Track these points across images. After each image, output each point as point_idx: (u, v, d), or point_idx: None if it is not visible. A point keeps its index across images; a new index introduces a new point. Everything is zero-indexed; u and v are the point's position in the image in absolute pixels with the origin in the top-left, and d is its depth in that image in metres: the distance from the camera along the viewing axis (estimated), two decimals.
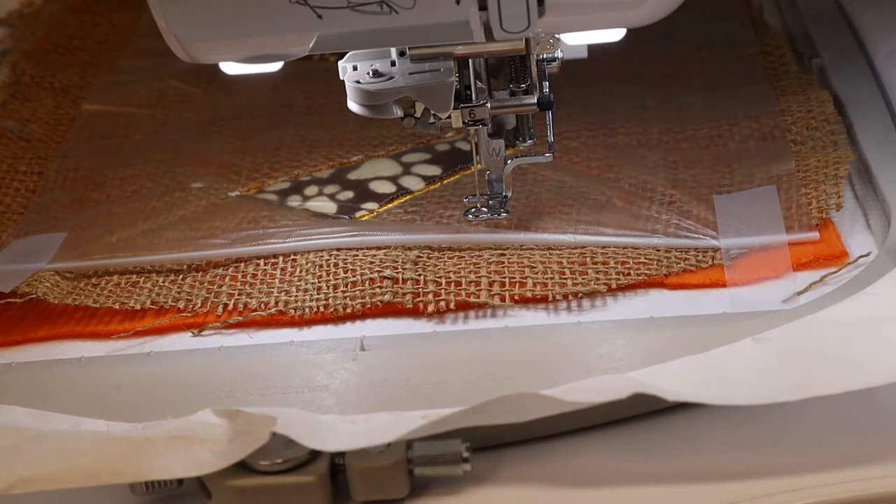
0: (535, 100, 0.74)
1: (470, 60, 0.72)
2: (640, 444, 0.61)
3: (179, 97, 0.99)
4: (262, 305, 0.74)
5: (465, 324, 0.72)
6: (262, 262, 0.77)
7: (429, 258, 0.76)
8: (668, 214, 0.78)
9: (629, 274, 0.73)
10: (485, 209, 0.78)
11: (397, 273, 0.74)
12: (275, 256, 0.78)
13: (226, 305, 0.74)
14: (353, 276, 0.74)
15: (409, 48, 0.71)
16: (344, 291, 0.74)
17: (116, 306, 0.75)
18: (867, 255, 0.72)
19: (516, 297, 0.72)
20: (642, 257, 0.74)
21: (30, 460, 0.58)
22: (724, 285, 0.72)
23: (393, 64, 0.72)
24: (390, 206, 0.82)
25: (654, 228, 0.76)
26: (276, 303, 0.74)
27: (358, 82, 0.72)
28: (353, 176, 0.86)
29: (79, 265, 0.79)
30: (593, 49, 0.77)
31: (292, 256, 0.77)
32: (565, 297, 0.72)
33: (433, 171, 0.86)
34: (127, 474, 0.58)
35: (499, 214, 0.77)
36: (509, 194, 0.78)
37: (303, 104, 0.96)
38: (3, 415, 0.64)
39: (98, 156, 0.92)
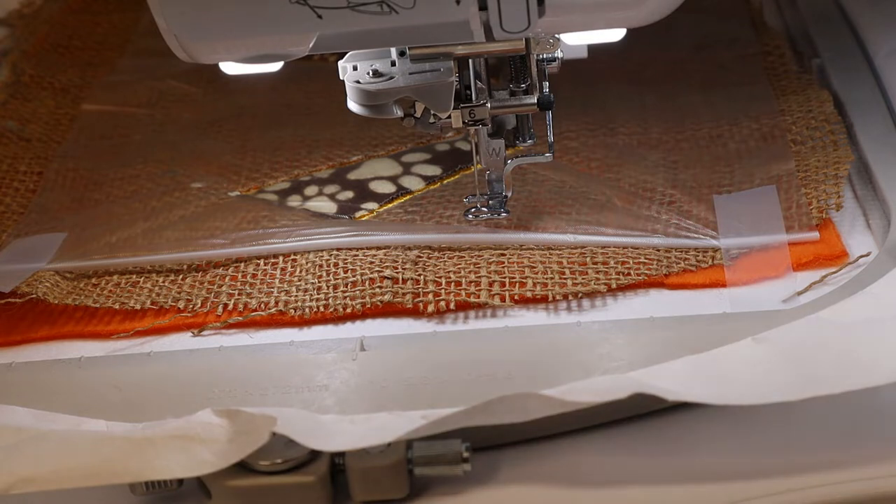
0: (535, 100, 0.74)
1: (470, 60, 0.72)
2: (640, 444, 0.61)
3: (179, 97, 0.99)
4: (262, 305, 0.74)
5: (465, 324, 0.72)
6: (262, 262, 0.78)
7: (429, 258, 0.76)
8: (668, 214, 0.78)
9: (629, 274, 0.73)
10: (485, 209, 0.78)
11: (397, 273, 0.74)
12: (275, 256, 0.78)
13: (226, 305, 0.75)
14: (353, 276, 0.75)
15: (409, 48, 0.71)
16: (344, 291, 0.74)
17: (116, 306, 0.75)
18: (867, 255, 0.72)
19: (516, 297, 0.72)
20: (642, 257, 0.74)
21: (30, 460, 0.58)
22: (724, 285, 0.72)
23: (393, 64, 0.72)
24: (390, 206, 0.82)
25: (654, 228, 0.76)
26: (276, 303, 0.74)
27: (358, 82, 0.72)
28: (353, 176, 0.86)
29: (79, 265, 0.79)
30: (593, 49, 0.77)
31: (292, 256, 0.77)
32: (565, 297, 0.72)
33: (433, 171, 0.86)
34: (127, 474, 0.58)
35: (499, 214, 0.77)
36: (509, 194, 0.78)
37: (303, 104, 0.96)
38: (3, 415, 0.64)
39: (98, 156, 0.92)
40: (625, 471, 0.60)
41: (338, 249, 0.77)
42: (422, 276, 0.74)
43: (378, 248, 0.77)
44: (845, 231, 0.75)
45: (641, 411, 0.62)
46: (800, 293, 0.70)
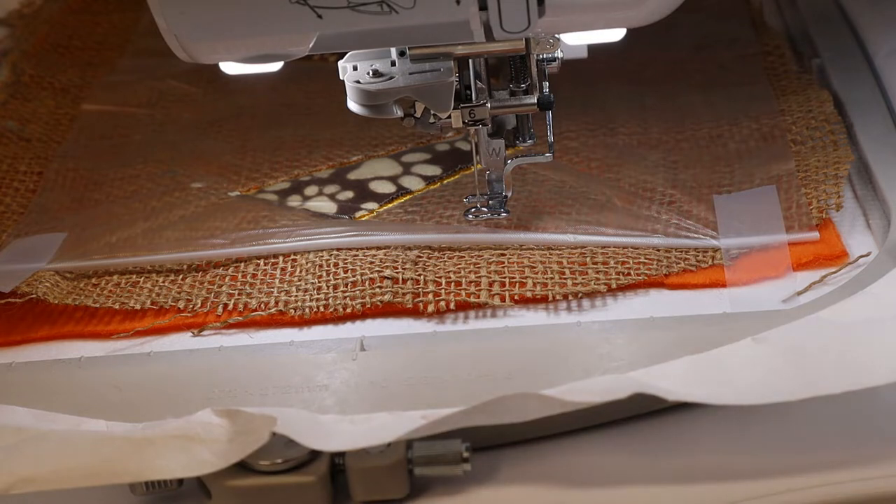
0: (535, 100, 0.74)
1: (470, 60, 0.72)
2: (640, 444, 0.61)
3: (179, 97, 0.99)
4: (262, 305, 0.74)
5: (465, 324, 0.72)
6: (262, 262, 0.78)
7: (429, 258, 0.76)
8: (668, 214, 0.78)
9: (629, 274, 0.73)
10: (485, 209, 0.78)
11: (397, 273, 0.74)
12: (275, 256, 0.78)
13: (226, 305, 0.75)
14: (353, 276, 0.75)
15: (409, 48, 0.71)
16: (344, 291, 0.74)
17: (116, 306, 0.75)
18: (867, 255, 0.72)
19: (516, 297, 0.72)
20: (642, 257, 0.74)
21: (30, 460, 0.58)
22: (724, 285, 0.72)
23: (393, 64, 0.72)
24: (390, 206, 0.82)
25: (654, 228, 0.76)
26: (276, 303, 0.74)
27: (358, 82, 0.72)
28: (353, 176, 0.86)
29: (79, 265, 0.79)
30: (593, 49, 0.77)
31: (292, 256, 0.77)
32: (565, 297, 0.72)
33: (433, 171, 0.86)
34: (127, 474, 0.58)
35: (499, 214, 0.77)
36: (509, 194, 0.78)
37: (303, 104, 0.96)
38: (3, 415, 0.64)
39: (98, 156, 0.92)
40: (625, 471, 0.60)
41: (338, 249, 0.77)
42: (422, 276, 0.74)
43: (378, 248, 0.77)
44: (845, 231, 0.75)
45: (641, 411, 0.62)
46: (800, 293, 0.70)
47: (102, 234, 0.82)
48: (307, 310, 0.73)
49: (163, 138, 0.94)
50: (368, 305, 0.73)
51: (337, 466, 0.59)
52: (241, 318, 0.73)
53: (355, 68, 0.72)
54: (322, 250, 0.77)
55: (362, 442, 0.58)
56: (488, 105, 0.73)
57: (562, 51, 0.74)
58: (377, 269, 0.75)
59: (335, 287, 0.74)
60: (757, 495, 0.58)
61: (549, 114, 0.75)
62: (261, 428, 0.58)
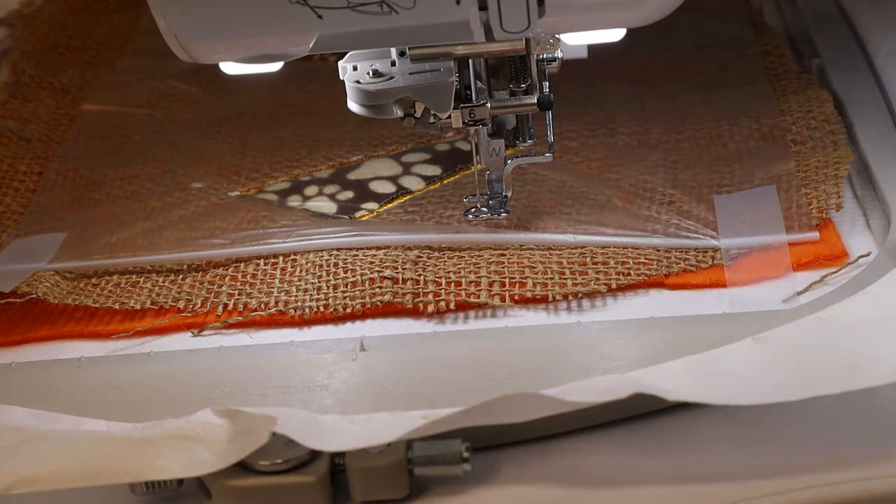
0: (535, 100, 0.74)
1: (470, 60, 0.72)
2: (640, 444, 0.61)
3: (179, 97, 0.99)
4: (262, 305, 0.74)
5: (465, 324, 0.72)
6: (262, 262, 0.78)
7: (429, 258, 0.76)
8: (668, 214, 0.78)
9: (629, 274, 0.73)
10: (485, 209, 0.78)
11: (397, 273, 0.74)
12: (275, 256, 0.78)
13: (226, 305, 0.75)
14: (353, 276, 0.75)
15: (409, 48, 0.71)
16: (344, 291, 0.74)
17: (116, 306, 0.75)
18: (867, 255, 0.72)
19: (516, 297, 0.72)
20: (642, 257, 0.74)
21: (30, 460, 0.58)
22: (724, 285, 0.72)
23: (393, 64, 0.72)
24: (390, 206, 0.82)
25: (654, 228, 0.76)
26: (276, 303, 0.74)
27: (358, 82, 0.72)
28: (353, 176, 0.86)
29: (79, 265, 0.79)
30: (593, 49, 0.77)
31: (292, 256, 0.77)
32: (565, 297, 0.72)
33: (433, 171, 0.86)
34: (127, 474, 0.58)
35: (499, 214, 0.77)
36: (509, 194, 0.78)
37: (303, 104, 0.96)
38: (3, 415, 0.64)
39: (98, 156, 0.92)
40: (625, 471, 0.60)
41: (338, 249, 0.77)
42: (422, 276, 0.74)
43: (378, 248, 0.77)
44: (845, 231, 0.75)
45: (641, 411, 0.62)
46: (800, 293, 0.70)
47: (102, 234, 0.82)
48: (307, 310, 0.73)
49: (163, 138, 0.94)
50: (368, 305, 0.73)
51: (337, 466, 0.59)
52: (241, 318, 0.73)
53: (355, 68, 0.72)
54: (322, 250, 0.77)
55: (362, 442, 0.58)
56: (488, 105, 0.73)
57: (562, 51, 0.74)
58: (377, 269, 0.75)
59: (335, 287, 0.74)
60: (757, 495, 0.58)
61: (549, 114, 0.75)
62: (261, 428, 0.58)
